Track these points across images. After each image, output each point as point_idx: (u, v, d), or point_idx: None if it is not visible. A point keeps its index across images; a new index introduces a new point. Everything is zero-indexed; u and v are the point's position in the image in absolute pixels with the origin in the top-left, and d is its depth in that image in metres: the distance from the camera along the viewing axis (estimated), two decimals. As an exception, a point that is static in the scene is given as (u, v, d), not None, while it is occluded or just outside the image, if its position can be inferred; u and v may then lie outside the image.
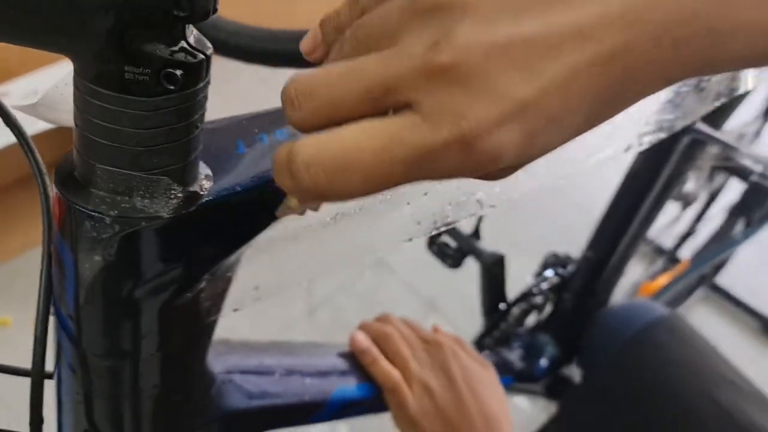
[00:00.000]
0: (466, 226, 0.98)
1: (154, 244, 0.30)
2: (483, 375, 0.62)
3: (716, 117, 0.85)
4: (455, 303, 1.51)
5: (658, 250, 1.59)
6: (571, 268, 0.99)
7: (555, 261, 1.01)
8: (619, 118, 0.58)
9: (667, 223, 1.41)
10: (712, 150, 1.09)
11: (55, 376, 0.37)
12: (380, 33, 0.25)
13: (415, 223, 0.44)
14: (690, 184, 1.29)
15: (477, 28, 0.23)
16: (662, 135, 0.57)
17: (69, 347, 0.34)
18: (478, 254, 0.97)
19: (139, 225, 0.29)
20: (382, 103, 0.24)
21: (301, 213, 0.30)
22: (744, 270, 1.65)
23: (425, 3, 0.24)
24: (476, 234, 0.98)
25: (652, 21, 0.23)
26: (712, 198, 1.42)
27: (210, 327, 0.38)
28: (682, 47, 0.24)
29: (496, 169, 0.25)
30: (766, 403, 0.78)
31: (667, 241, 1.52)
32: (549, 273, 1.01)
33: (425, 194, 0.45)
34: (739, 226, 1.24)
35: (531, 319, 1.06)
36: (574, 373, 1.05)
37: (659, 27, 0.23)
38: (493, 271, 0.96)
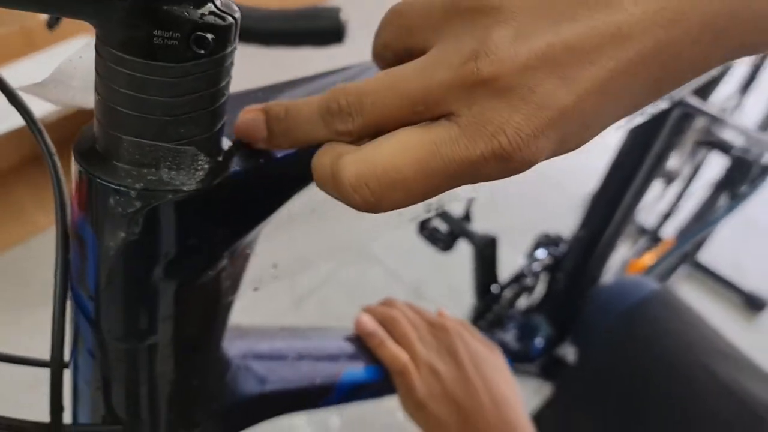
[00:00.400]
0: (456, 209, 0.98)
1: (178, 219, 0.29)
2: (490, 357, 0.62)
3: (703, 90, 0.85)
4: (442, 290, 1.51)
5: (641, 230, 1.61)
6: (563, 247, 1.00)
7: (547, 241, 1.01)
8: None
9: (650, 202, 1.42)
10: (697, 124, 1.10)
11: (72, 364, 0.36)
12: (420, 27, 0.25)
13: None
14: (672, 161, 1.30)
15: (516, 35, 0.23)
16: (663, 105, 0.58)
17: (88, 331, 0.33)
18: (470, 237, 0.97)
19: (166, 198, 0.28)
20: (426, 116, 0.25)
21: None
22: (724, 246, 1.67)
23: (465, 4, 0.24)
24: (467, 217, 0.98)
25: (695, 15, 0.23)
26: (694, 174, 1.43)
27: (227, 308, 0.37)
28: (723, 38, 0.23)
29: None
30: (760, 373, 0.79)
31: (650, 220, 1.54)
32: (541, 254, 1.02)
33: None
34: (722, 201, 1.26)
35: (523, 302, 1.06)
36: (568, 352, 1.05)
37: (702, 21, 0.23)
38: (485, 252, 0.96)
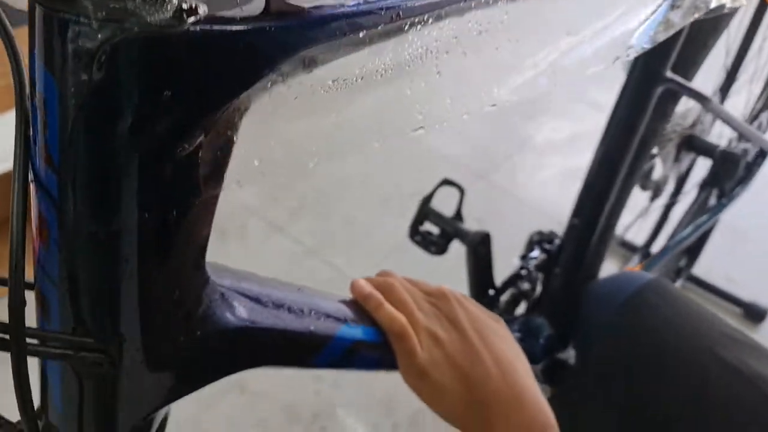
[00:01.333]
0: (448, 208, 0.96)
1: (145, 63, 0.26)
2: (493, 325, 0.59)
3: (686, 69, 0.85)
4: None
5: (632, 247, 1.59)
6: (557, 242, 0.97)
7: (540, 238, 0.99)
8: (608, 36, 0.56)
9: (638, 216, 1.41)
10: (675, 128, 1.10)
11: (38, 270, 0.33)
12: None
13: (417, 114, 0.42)
14: (657, 171, 1.29)
15: None
16: (646, 46, 0.57)
17: (54, 218, 0.30)
18: (463, 236, 0.94)
19: (131, 32, 0.25)
20: None
21: None
22: (718, 258, 1.65)
23: None
24: (458, 215, 0.95)
25: None
26: (680, 186, 1.43)
27: (209, 205, 0.34)
28: None
29: None
30: (765, 353, 0.76)
31: (640, 237, 1.52)
32: (535, 253, 0.99)
33: (424, 84, 0.43)
34: (712, 200, 1.25)
35: (521, 307, 1.03)
36: (570, 356, 1.01)
37: None
38: (480, 251, 0.93)
